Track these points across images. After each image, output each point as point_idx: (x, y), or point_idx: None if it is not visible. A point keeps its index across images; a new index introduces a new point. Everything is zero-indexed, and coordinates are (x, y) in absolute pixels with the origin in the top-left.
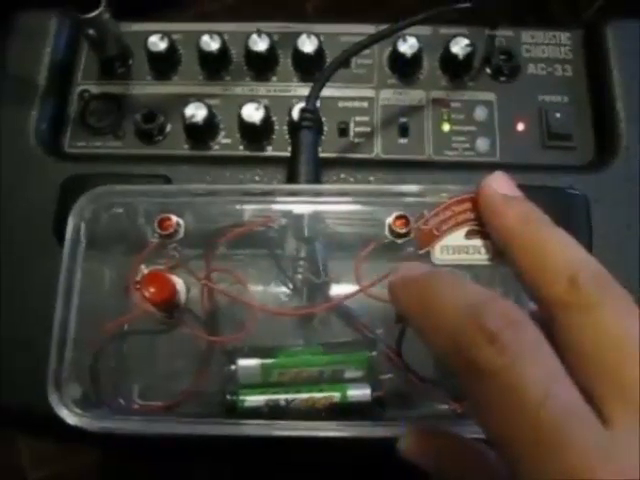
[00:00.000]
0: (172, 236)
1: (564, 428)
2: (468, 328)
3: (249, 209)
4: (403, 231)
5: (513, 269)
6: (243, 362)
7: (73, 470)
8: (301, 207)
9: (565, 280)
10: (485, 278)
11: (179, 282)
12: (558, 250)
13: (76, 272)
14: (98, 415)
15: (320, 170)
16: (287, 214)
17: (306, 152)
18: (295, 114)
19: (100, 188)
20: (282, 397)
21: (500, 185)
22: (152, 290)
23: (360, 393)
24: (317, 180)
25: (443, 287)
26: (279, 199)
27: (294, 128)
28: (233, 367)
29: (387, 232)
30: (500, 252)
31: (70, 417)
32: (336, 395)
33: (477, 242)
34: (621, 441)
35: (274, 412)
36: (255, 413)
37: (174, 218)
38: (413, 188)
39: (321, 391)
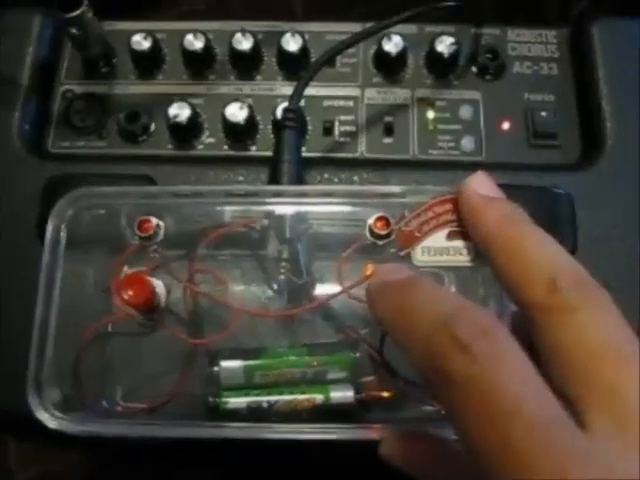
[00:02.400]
0: (152, 238)
1: (536, 438)
2: (440, 337)
3: (231, 210)
4: (384, 232)
5: (493, 271)
6: (225, 364)
7: (61, 470)
8: (283, 208)
9: (544, 282)
10: (467, 280)
11: (159, 284)
12: (538, 252)
13: (56, 273)
14: (79, 418)
15: (303, 170)
16: (269, 215)
17: (289, 152)
18: (279, 113)
19: (80, 190)
20: (264, 399)
21: (480, 185)
22: (130, 293)
23: (343, 395)
24: (300, 180)
25: (418, 294)
26: (261, 200)
27: (277, 128)
28: (215, 369)
29: (367, 233)
30: (481, 254)
31: (50, 421)
32: (319, 397)
33: (458, 243)
34: (598, 446)
35: (256, 414)
36: (237, 415)
37: (154, 220)
38: (395, 189)
39: (304, 393)
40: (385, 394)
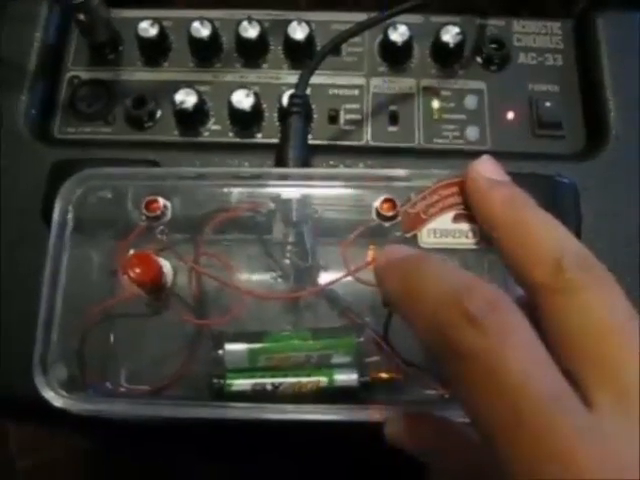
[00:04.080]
0: (159, 218)
1: (544, 412)
2: (451, 311)
3: (237, 193)
4: (390, 214)
5: (498, 253)
6: (230, 347)
7: (62, 457)
8: (289, 191)
9: (549, 263)
10: (472, 263)
11: (166, 264)
12: (543, 233)
13: (63, 255)
14: (83, 398)
15: (309, 156)
16: (275, 198)
17: (295, 138)
18: (285, 101)
19: (87, 171)
20: (269, 381)
21: (486, 169)
22: (138, 271)
23: (347, 378)
24: (306, 165)
25: (427, 270)
26: (267, 183)
27: (283, 114)
28: (220, 352)
29: (374, 215)
30: (486, 236)
31: (56, 399)
32: (323, 380)
33: (464, 226)
34: (604, 425)
35: (261, 396)
36: (242, 397)
37: (161, 200)
38: (401, 172)
39: (308, 376)
40: (387, 375)
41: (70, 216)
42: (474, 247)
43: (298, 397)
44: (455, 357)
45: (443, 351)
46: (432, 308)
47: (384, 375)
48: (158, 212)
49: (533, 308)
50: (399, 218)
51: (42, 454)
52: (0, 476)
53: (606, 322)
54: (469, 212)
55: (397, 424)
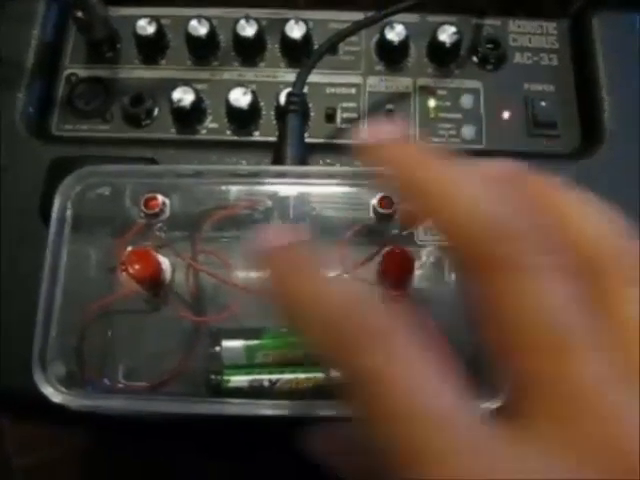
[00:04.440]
0: (158, 215)
1: (440, 437)
2: (346, 327)
3: (235, 190)
4: (387, 212)
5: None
6: (227, 343)
7: (60, 457)
8: (287, 189)
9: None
10: None
11: (164, 261)
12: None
13: (62, 252)
14: (82, 394)
15: (306, 154)
16: (273, 196)
17: (292, 136)
18: (282, 99)
19: (87, 168)
20: (266, 377)
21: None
22: (137, 267)
23: None
24: (303, 163)
25: (322, 278)
26: (265, 180)
27: (281, 112)
28: (217, 348)
29: (371, 213)
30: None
31: (55, 395)
32: (320, 375)
33: None
34: (524, 450)
35: (258, 393)
36: (239, 393)
37: (160, 197)
38: None
39: (305, 372)
40: None
41: (69, 213)
42: None
43: (295, 393)
44: (349, 374)
45: (338, 366)
46: (328, 321)
47: None
48: (157, 209)
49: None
50: (396, 216)
51: (39, 453)
52: None
53: (544, 321)
54: None
55: (315, 440)
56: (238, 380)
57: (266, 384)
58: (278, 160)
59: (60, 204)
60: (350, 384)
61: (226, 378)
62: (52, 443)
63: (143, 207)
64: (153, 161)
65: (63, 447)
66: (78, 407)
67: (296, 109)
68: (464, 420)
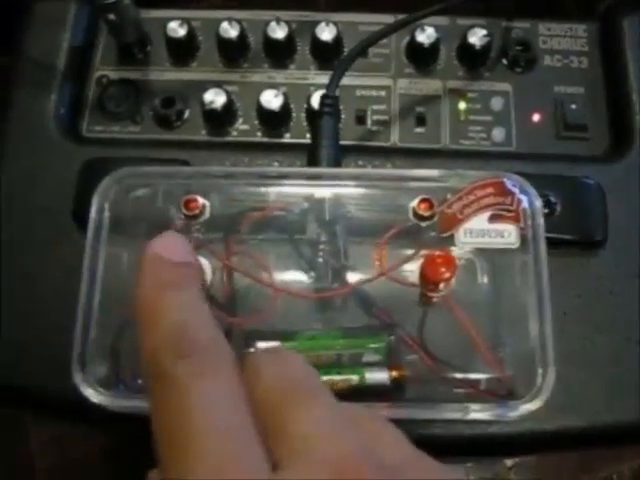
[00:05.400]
0: (197, 217)
1: (222, 464)
2: (166, 346)
3: (270, 192)
4: (427, 214)
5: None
6: (262, 345)
7: (82, 457)
8: (322, 191)
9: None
10: (504, 263)
11: (205, 262)
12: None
13: (100, 254)
14: (122, 394)
15: (341, 156)
16: (308, 198)
17: (327, 138)
18: (314, 102)
19: (124, 169)
20: None
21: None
22: None
23: (378, 376)
24: (338, 166)
25: (169, 295)
26: (300, 182)
27: (314, 115)
28: (252, 350)
29: (411, 215)
30: (524, 238)
31: (94, 396)
32: (354, 378)
33: (500, 226)
34: None
35: None
36: None
37: (200, 199)
38: (434, 172)
39: (339, 374)
40: (416, 375)
41: (106, 215)
42: (510, 247)
43: None
44: (157, 385)
45: (150, 378)
46: (155, 342)
47: (414, 374)
48: (197, 211)
49: None
50: (435, 218)
51: (62, 454)
52: (21, 476)
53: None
54: (505, 213)
55: None
56: None
57: None
58: (313, 163)
59: (98, 205)
60: (159, 384)
61: None
62: (75, 444)
63: (183, 209)
64: (186, 163)
65: (84, 448)
66: (118, 408)
67: (330, 111)
68: (255, 453)
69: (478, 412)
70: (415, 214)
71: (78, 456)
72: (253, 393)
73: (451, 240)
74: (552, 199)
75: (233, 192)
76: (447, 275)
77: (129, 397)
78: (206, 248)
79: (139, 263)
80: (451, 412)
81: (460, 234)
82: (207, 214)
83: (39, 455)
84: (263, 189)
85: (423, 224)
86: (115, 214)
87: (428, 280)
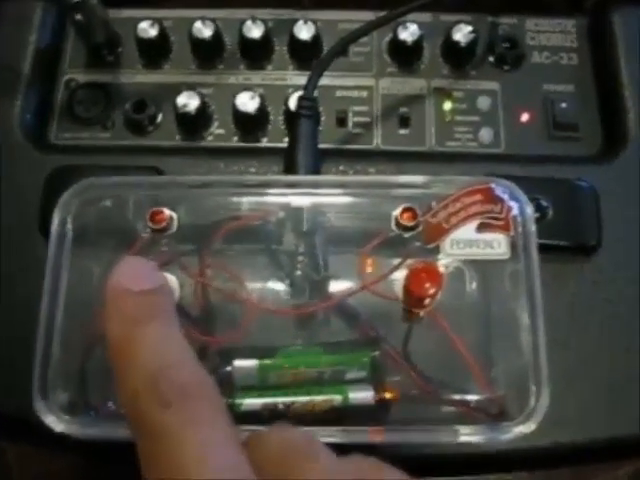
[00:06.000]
0: (164, 230)
1: None
2: (147, 394)
3: (245, 202)
4: (410, 224)
5: None
6: (239, 363)
7: (62, 469)
8: (300, 199)
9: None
10: (493, 273)
11: (171, 279)
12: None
13: (62, 269)
14: (87, 421)
15: (320, 161)
16: (285, 207)
17: (305, 142)
18: (292, 103)
19: (87, 180)
20: (280, 400)
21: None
22: None
23: (362, 396)
24: (317, 171)
25: (146, 334)
26: (277, 191)
27: (292, 117)
28: (228, 368)
29: (393, 225)
30: (515, 247)
31: (57, 424)
32: (337, 398)
33: (489, 236)
34: None
35: (272, 416)
36: (253, 417)
37: (166, 211)
38: (419, 179)
39: (321, 393)
40: (402, 395)
41: (69, 228)
42: (500, 258)
43: (311, 416)
44: (144, 434)
45: (136, 426)
46: (134, 386)
47: (401, 393)
48: (164, 224)
49: None
50: (420, 228)
51: (41, 466)
52: None
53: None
54: (494, 221)
55: None
56: (251, 403)
57: (281, 407)
58: (290, 168)
59: (60, 219)
60: (147, 439)
61: (238, 401)
62: (53, 457)
63: (149, 222)
64: (157, 170)
65: (64, 460)
66: (83, 436)
67: (308, 114)
68: None
69: (468, 435)
70: (398, 224)
71: (57, 468)
72: (253, 454)
73: (438, 250)
74: (543, 203)
75: (205, 202)
76: (432, 291)
77: (97, 424)
78: (176, 262)
79: (103, 296)
80: (440, 436)
81: (446, 245)
82: (174, 227)
83: (16, 468)
84: (237, 198)
85: (406, 235)
86: (79, 227)
87: (412, 295)
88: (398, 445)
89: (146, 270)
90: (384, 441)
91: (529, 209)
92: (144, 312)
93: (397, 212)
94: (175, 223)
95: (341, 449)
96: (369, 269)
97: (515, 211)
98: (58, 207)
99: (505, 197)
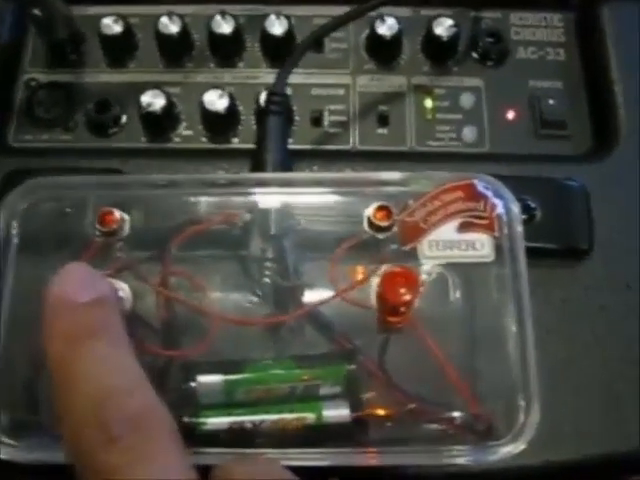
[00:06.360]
0: (115, 233)
1: None
2: (92, 428)
3: (209, 202)
4: (385, 224)
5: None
6: (203, 379)
7: None
8: (268, 200)
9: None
10: (478, 278)
11: (123, 288)
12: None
13: (7, 278)
14: (34, 445)
15: (290, 160)
16: (252, 208)
17: (274, 140)
18: (262, 101)
19: (34, 180)
20: (248, 419)
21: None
22: None
23: (337, 413)
24: (286, 170)
25: (87, 356)
26: (242, 190)
27: (260, 114)
28: (192, 384)
29: (366, 226)
30: (500, 249)
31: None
32: (310, 416)
33: (471, 236)
34: None
35: (239, 437)
36: (217, 438)
37: (116, 212)
38: (395, 175)
39: (293, 411)
40: (383, 410)
41: (15, 232)
42: (483, 260)
43: (282, 436)
44: (90, 475)
45: (80, 464)
46: (76, 418)
47: (380, 410)
48: (114, 226)
49: None
50: (395, 228)
51: None
52: None
53: None
54: (477, 220)
55: None
56: (216, 422)
57: (248, 426)
58: (257, 167)
59: (4, 222)
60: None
61: (202, 420)
62: None
63: (98, 224)
64: (119, 172)
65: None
66: (29, 461)
67: (277, 110)
68: None
69: (453, 457)
70: (371, 224)
71: None
72: None
73: (416, 253)
74: (531, 204)
75: (164, 203)
76: (408, 297)
77: (44, 447)
78: (133, 269)
79: (42, 309)
80: (423, 457)
81: (424, 247)
82: (126, 229)
83: None
84: (199, 199)
85: (380, 236)
86: (26, 232)
87: (386, 303)
88: (377, 467)
89: (88, 278)
90: (362, 464)
91: (515, 207)
92: (85, 328)
93: (370, 211)
94: (127, 225)
95: (315, 473)
96: (343, 275)
97: (500, 209)
98: (2, 210)
99: (489, 194)
